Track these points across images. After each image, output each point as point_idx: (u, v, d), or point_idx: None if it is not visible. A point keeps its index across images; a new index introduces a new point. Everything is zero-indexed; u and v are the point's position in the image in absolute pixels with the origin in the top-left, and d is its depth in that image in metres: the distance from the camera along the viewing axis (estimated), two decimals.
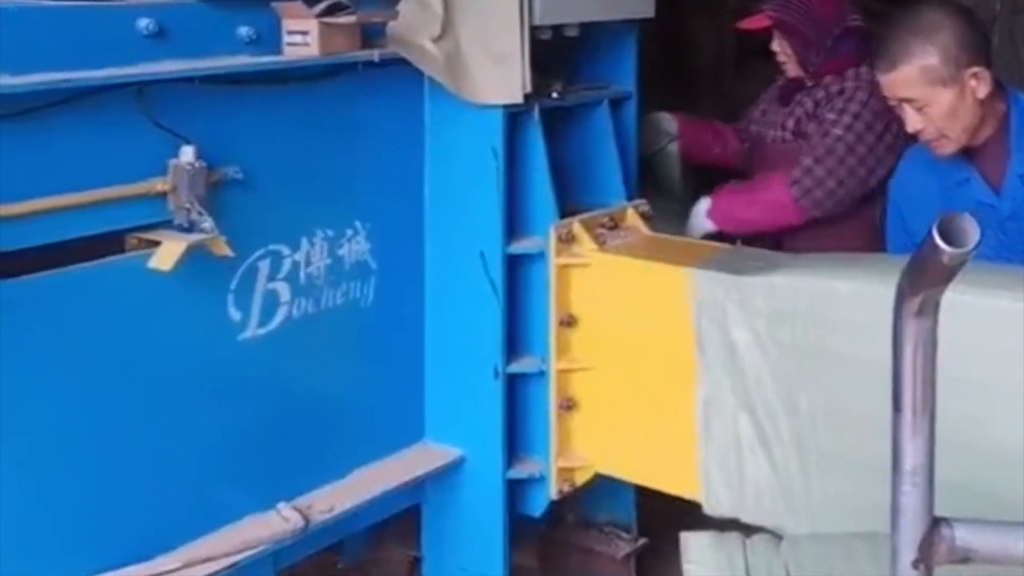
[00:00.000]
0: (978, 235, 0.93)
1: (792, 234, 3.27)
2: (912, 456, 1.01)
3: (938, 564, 1.04)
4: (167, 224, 2.36)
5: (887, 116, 3.11)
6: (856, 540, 1.85)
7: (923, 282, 0.97)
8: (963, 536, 1.02)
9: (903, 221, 2.94)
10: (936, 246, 0.92)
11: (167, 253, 2.31)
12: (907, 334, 1.00)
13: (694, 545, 1.88)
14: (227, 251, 2.39)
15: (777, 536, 2.00)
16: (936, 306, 0.99)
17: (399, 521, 3.06)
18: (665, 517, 3.16)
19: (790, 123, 3.37)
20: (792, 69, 3.37)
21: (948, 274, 0.96)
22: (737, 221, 3.26)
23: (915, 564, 1.02)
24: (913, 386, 1.00)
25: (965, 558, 1.03)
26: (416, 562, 3.15)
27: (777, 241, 3.25)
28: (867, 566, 1.75)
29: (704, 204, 3.28)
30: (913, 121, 2.70)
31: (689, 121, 3.53)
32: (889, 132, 3.19)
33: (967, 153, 2.76)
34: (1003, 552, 1.03)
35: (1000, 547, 1.03)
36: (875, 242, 3.13)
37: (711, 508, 2.58)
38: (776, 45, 3.37)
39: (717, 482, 2.55)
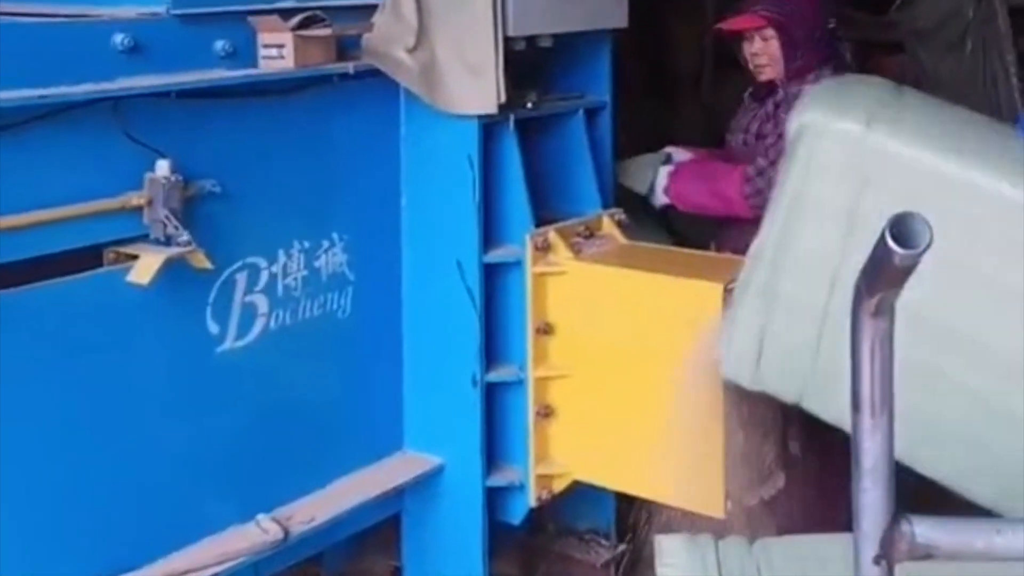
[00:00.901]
0: (929, 236, 0.95)
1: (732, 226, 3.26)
2: (871, 454, 1.02)
3: (899, 560, 1.06)
4: (144, 238, 2.37)
5: None
6: (827, 543, 1.86)
7: (879, 283, 0.99)
8: (923, 532, 1.04)
9: None
10: (888, 247, 0.94)
11: (145, 267, 2.32)
12: (864, 334, 1.01)
13: (668, 548, 1.90)
14: (206, 264, 2.41)
15: (749, 539, 2.01)
16: (892, 306, 1.01)
17: (380, 531, 3.06)
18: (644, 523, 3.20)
19: (754, 126, 3.36)
20: (771, 71, 3.34)
21: (902, 275, 0.98)
22: (690, 204, 3.27)
23: (876, 560, 1.04)
24: (871, 385, 1.02)
25: (926, 554, 1.05)
26: (397, 572, 3.15)
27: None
28: (838, 568, 1.77)
29: (664, 178, 3.29)
30: None
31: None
32: None
33: None
34: (963, 547, 1.05)
35: (960, 542, 1.05)
36: None
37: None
38: (756, 47, 3.34)
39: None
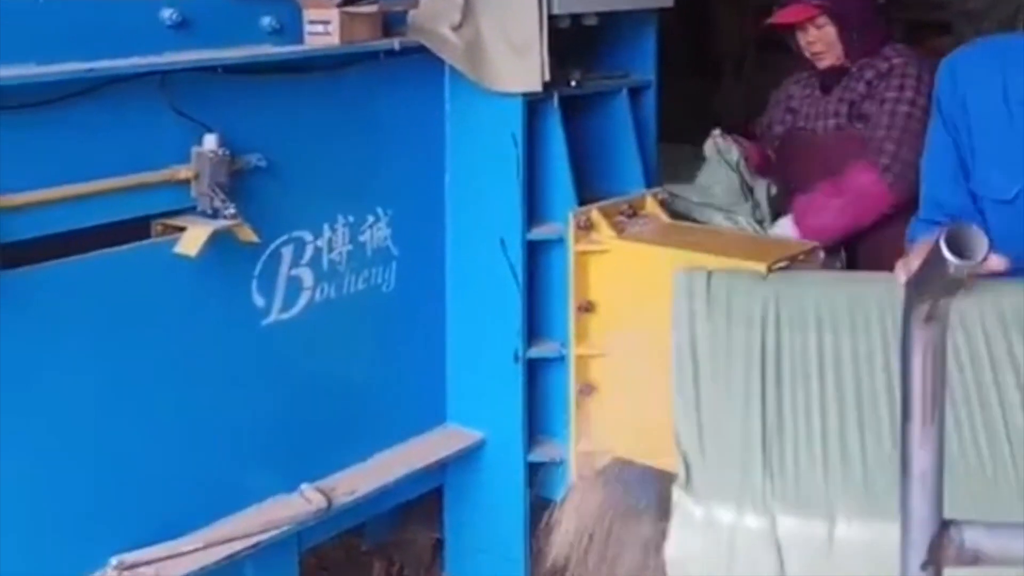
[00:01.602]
0: (986, 248, 0.94)
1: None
2: (921, 461, 1.02)
3: (947, 566, 1.06)
4: (191, 211, 2.39)
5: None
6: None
7: (931, 291, 0.98)
8: (972, 538, 1.04)
9: (949, 132, 2.34)
10: (943, 257, 0.93)
11: (192, 239, 2.34)
12: (916, 342, 1.01)
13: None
14: (252, 237, 2.43)
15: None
16: (945, 314, 1.00)
17: (422, 503, 3.10)
18: None
19: (843, 109, 3.31)
20: (830, 58, 3.30)
21: (956, 284, 0.97)
22: (830, 230, 3.16)
23: (924, 566, 1.03)
24: (923, 394, 1.01)
25: (974, 560, 1.05)
26: (439, 544, 3.18)
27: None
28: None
29: (787, 228, 3.22)
30: None
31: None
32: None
33: None
34: (1012, 553, 1.05)
35: (1009, 548, 1.05)
36: None
37: None
38: (811, 36, 3.29)
39: None
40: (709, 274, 2.08)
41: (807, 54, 3.33)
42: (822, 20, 3.24)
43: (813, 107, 3.39)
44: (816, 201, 3.24)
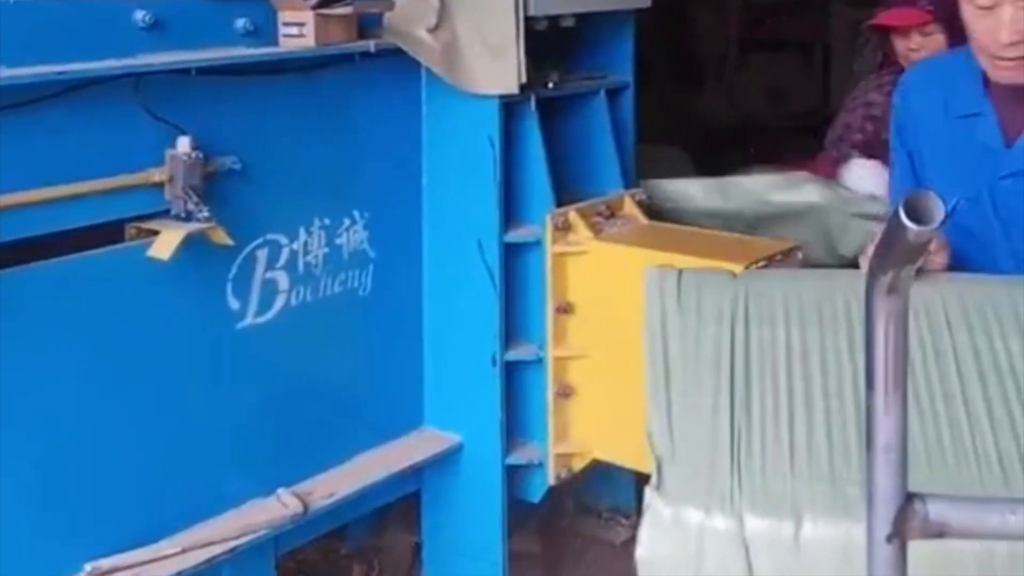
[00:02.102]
0: (943, 213, 0.95)
1: None
2: (885, 432, 1.02)
3: (912, 539, 1.05)
4: (165, 214, 2.39)
5: None
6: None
7: (892, 260, 0.98)
8: (937, 511, 1.04)
9: (904, 146, 2.51)
10: (902, 224, 0.93)
11: (165, 242, 2.33)
12: (878, 312, 1.01)
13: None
14: (226, 240, 2.42)
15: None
16: (907, 283, 1.00)
17: (402, 507, 3.09)
18: None
19: None
20: None
21: (916, 252, 0.97)
22: None
23: (889, 538, 1.03)
24: (885, 363, 1.01)
25: (939, 532, 1.05)
26: (418, 547, 3.17)
27: None
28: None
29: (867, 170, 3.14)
30: (1015, 23, 2.19)
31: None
32: None
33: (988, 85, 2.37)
34: (976, 526, 1.05)
35: (973, 521, 1.05)
36: None
37: None
38: (914, 43, 3.15)
39: None
40: (680, 272, 2.10)
41: (904, 61, 3.19)
42: (932, 27, 3.11)
43: None
44: None
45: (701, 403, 1.90)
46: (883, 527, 1.03)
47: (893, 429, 1.02)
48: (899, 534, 1.03)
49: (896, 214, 0.94)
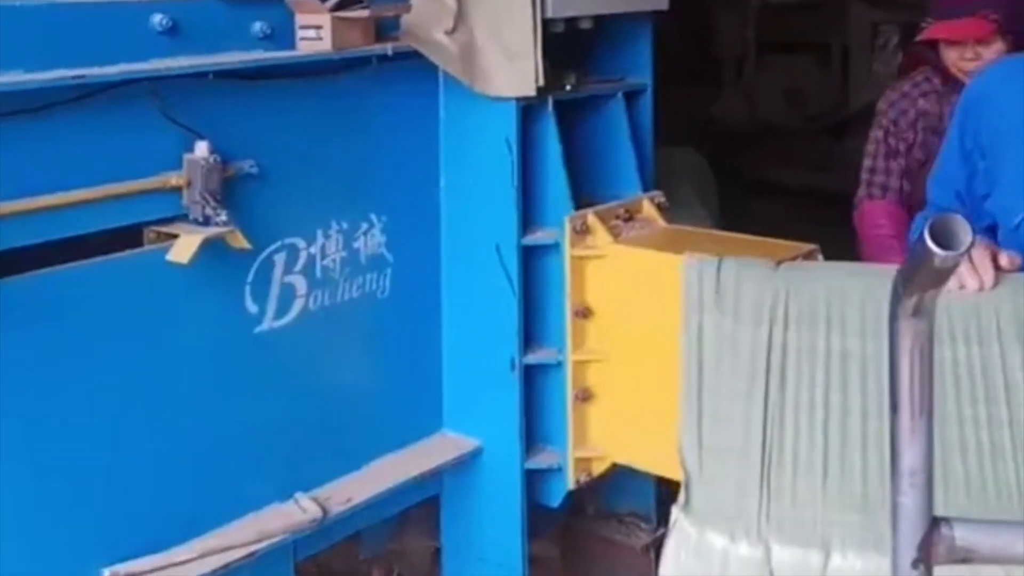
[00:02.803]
0: (971, 238, 0.93)
1: None
2: (911, 457, 1.00)
3: (938, 564, 1.04)
4: (183, 218, 2.38)
5: None
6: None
7: (917, 283, 0.97)
8: (963, 536, 1.02)
9: (966, 142, 2.31)
10: (928, 249, 0.92)
11: (184, 246, 2.33)
12: (903, 335, 0.99)
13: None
14: (244, 243, 2.41)
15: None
16: (932, 306, 0.99)
17: (421, 511, 3.08)
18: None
19: None
20: None
21: (942, 276, 0.95)
22: None
23: (915, 564, 1.02)
24: (911, 387, 1.00)
25: (965, 558, 1.03)
26: (437, 552, 3.16)
27: None
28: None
29: None
30: None
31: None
32: None
33: None
34: (1003, 551, 1.03)
35: (1000, 546, 1.03)
36: None
37: None
38: (970, 53, 3.01)
39: None
40: (720, 262, 2.01)
41: (956, 70, 3.05)
42: (993, 37, 2.99)
43: None
44: None
45: (733, 416, 1.85)
46: (909, 552, 1.02)
47: (919, 453, 1.00)
48: (925, 559, 1.01)
49: (922, 238, 0.93)
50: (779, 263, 1.97)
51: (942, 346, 1.77)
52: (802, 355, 1.87)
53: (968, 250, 0.92)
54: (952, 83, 3.09)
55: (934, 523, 1.02)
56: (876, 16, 5.94)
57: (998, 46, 2.99)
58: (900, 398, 1.00)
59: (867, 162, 3.33)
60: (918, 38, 3.09)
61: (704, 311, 1.96)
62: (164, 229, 2.37)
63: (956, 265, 0.93)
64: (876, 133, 3.31)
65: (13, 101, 2.10)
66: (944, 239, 0.92)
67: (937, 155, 3.02)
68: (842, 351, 1.84)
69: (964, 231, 0.92)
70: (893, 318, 1.00)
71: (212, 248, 2.38)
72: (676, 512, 1.81)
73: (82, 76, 2.18)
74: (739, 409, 1.86)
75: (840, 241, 3.21)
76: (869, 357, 1.84)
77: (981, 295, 1.83)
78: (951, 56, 3.08)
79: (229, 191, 2.41)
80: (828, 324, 1.87)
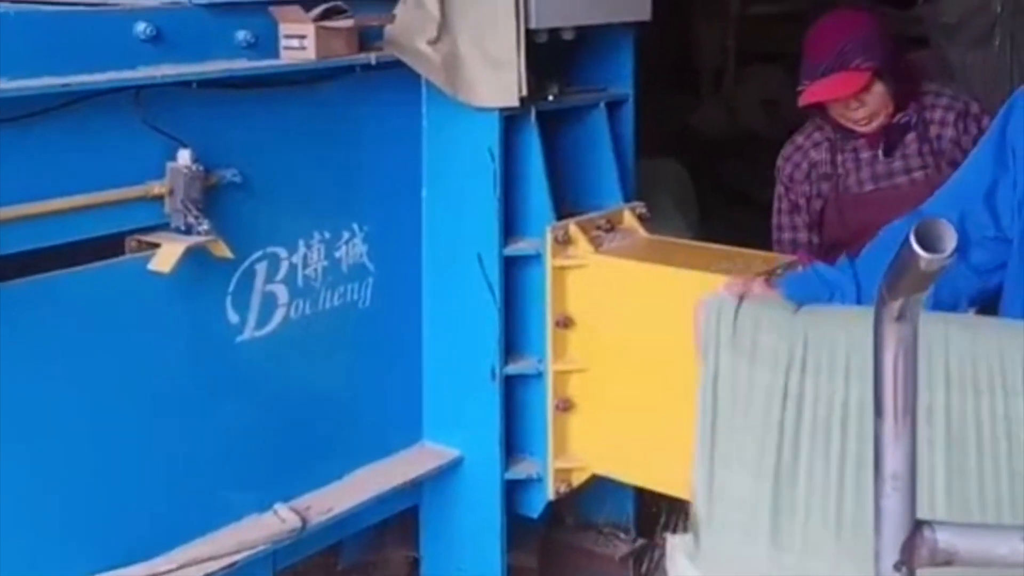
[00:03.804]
0: (955, 241, 0.94)
1: None
2: (893, 460, 1.02)
3: (920, 566, 1.05)
4: (165, 227, 2.38)
5: None
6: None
7: (902, 287, 0.98)
8: (945, 539, 1.03)
9: (995, 158, 2.16)
10: (913, 252, 0.93)
11: (166, 255, 2.33)
12: (887, 339, 1.00)
13: (679, 546, 1.88)
14: (227, 252, 2.41)
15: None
16: (916, 311, 1.00)
17: (399, 522, 3.07)
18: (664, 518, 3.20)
19: (925, 148, 3.00)
20: (879, 118, 2.97)
21: (926, 280, 0.96)
22: None
23: (897, 566, 1.03)
24: (894, 390, 1.01)
25: (948, 560, 1.04)
26: (415, 563, 3.15)
27: None
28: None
29: None
30: None
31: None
32: None
33: None
34: (985, 554, 1.04)
35: (983, 549, 1.04)
36: None
37: None
38: (854, 104, 2.95)
39: None
40: (738, 304, 1.93)
41: (845, 121, 3.01)
42: (872, 83, 2.92)
43: (880, 167, 3.07)
44: None
45: (745, 461, 1.79)
46: (891, 555, 1.02)
47: (902, 457, 1.01)
48: (908, 562, 1.02)
49: (907, 241, 0.94)
50: (798, 308, 1.89)
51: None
52: (819, 404, 1.80)
53: (953, 253, 0.93)
54: (845, 130, 3.07)
55: (917, 526, 1.03)
56: None
57: (878, 88, 2.94)
58: (884, 402, 1.01)
59: (773, 220, 3.29)
60: (800, 103, 3.01)
61: (720, 352, 1.90)
62: (146, 238, 2.37)
63: (941, 268, 0.94)
64: (778, 189, 3.27)
65: None
66: (929, 242, 0.94)
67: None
68: (860, 401, 1.76)
69: (949, 235, 0.93)
70: (878, 322, 1.01)
71: (194, 257, 2.38)
72: (683, 561, 1.77)
73: (67, 84, 2.18)
74: (751, 456, 1.80)
75: None
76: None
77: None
78: (836, 110, 3.02)
79: (211, 200, 2.41)
80: (847, 374, 1.80)
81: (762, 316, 1.89)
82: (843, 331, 1.83)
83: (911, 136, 3.04)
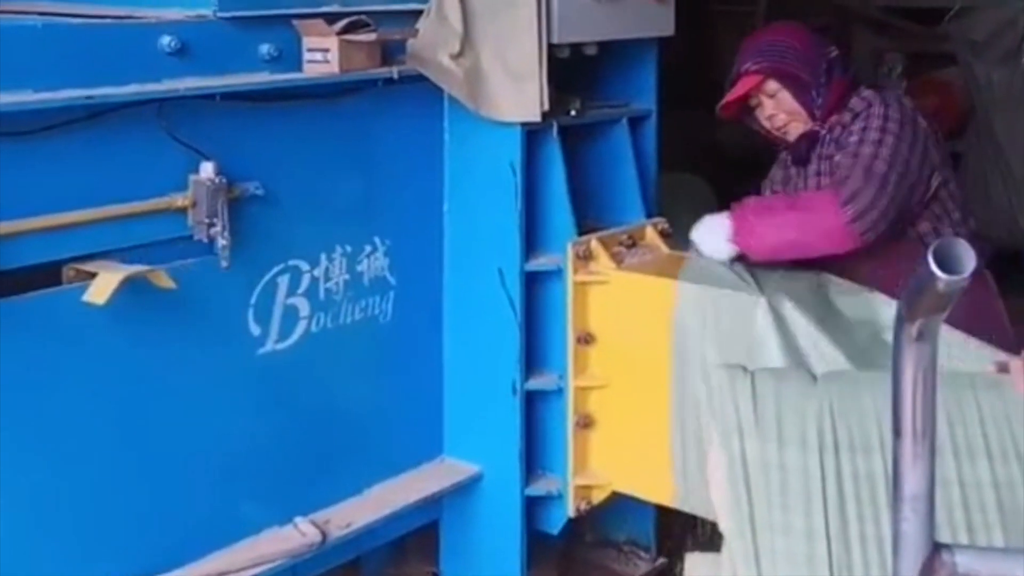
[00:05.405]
0: (973, 262, 0.93)
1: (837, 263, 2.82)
2: (912, 483, 1.00)
3: None
4: (187, 239, 2.38)
5: (913, 125, 2.80)
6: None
7: (920, 308, 0.97)
8: (964, 562, 1.02)
9: None
10: (931, 273, 0.92)
11: (102, 285, 2.21)
12: (906, 359, 0.99)
13: (699, 564, 1.85)
14: (170, 284, 2.31)
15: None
16: (936, 331, 0.99)
17: (419, 537, 3.06)
18: (684, 536, 3.18)
19: (824, 167, 2.94)
20: (797, 126, 2.95)
21: (945, 300, 0.95)
22: (770, 245, 2.77)
23: None
24: (913, 412, 1.00)
25: None
26: None
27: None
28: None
29: (723, 225, 2.82)
30: None
31: None
32: (919, 141, 2.80)
33: None
34: None
35: (1001, 572, 1.03)
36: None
37: None
38: (769, 109, 2.96)
39: None
40: (753, 376, 1.88)
41: (775, 133, 3.00)
42: (772, 86, 2.92)
43: (793, 185, 3.03)
44: (764, 207, 2.86)
45: (795, 554, 1.72)
46: None
47: (921, 478, 1.00)
48: None
49: (925, 262, 0.93)
50: (814, 378, 1.84)
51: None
52: (859, 479, 1.75)
53: (972, 274, 0.92)
54: (792, 147, 3.00)
55: (936, 549, 1.01)
56: (880, 43, 5.97)
57: (783, 95, 2.93)
58: (903, 424, 1.00)
59: None
60: (720, 116, 3.04)
61: (744, 435, 1.84)
62: (83, 267, 2.26)
63: (960, 289, 0.93)
64: None
65: (23, 121, 2.11)
66: (947, 263, 0.92)
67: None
68: None
69: (968, 255, 0.92)
70: (897, 342, 1.00)
71: (213, 269, 2.38)
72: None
73: (92, 96, 2.19)
74: (801, 548, 1.73)
75: None
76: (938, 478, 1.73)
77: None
78: (760, 125, 3.02)
79: (234, 212, 2.41)
80: (882, 445, 1.74)
81: (782, 390, 1.84)
82: (869, 398, 1.77)
83: (816, 153, 2.96)
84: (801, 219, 2.75)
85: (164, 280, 2.30)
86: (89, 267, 2.24)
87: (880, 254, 2.78)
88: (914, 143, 2.80)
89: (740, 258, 2.81)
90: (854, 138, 2.83)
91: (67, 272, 2.25)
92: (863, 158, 2.76)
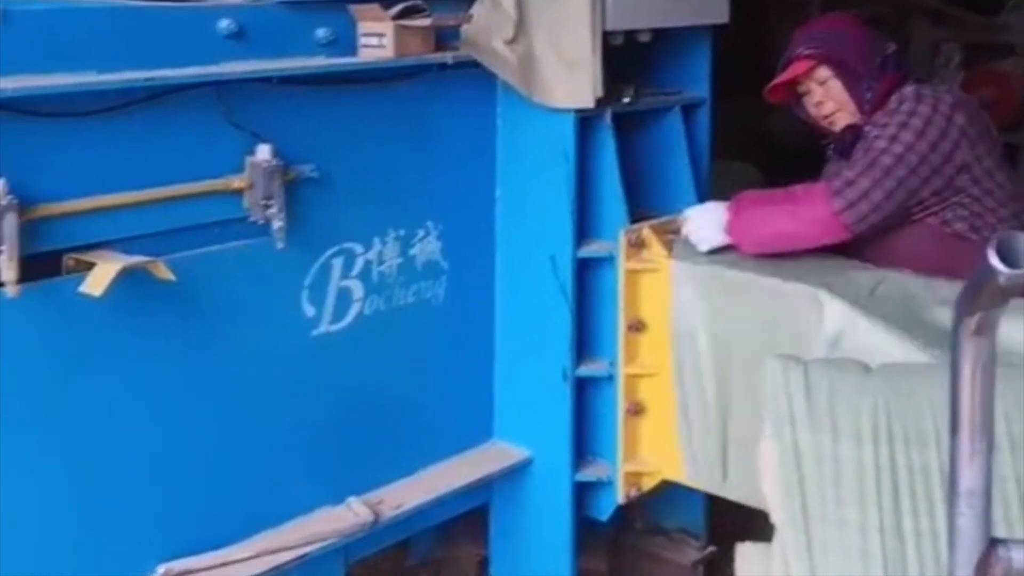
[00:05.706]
0: None
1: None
2: (969, 478, 1.00)
3: None
4: (243, 220, 2.40)
5: (942, 124, 2.73)
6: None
7: (980, 302, 0.96)
8: (1020, 558, 1.01)
9: None
10: (991, 267, 0.91)
11: (100, 276, 2.17)
12: (965, 354, 0.98)
13: (750, 555, 1.84)
14: (169, 276, 2.27)
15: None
16: (995, 326, 0.98)
17: (468, 520, 3.07)
18: (735, 525, 3.17)
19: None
20: (845, 116, 2.90)
21: (1005, 295, 0.94)
22: (759, 237, 2.76)
23: None
24: (971, 407, 0.99)
25: None
26: (484, 562, 3.16)
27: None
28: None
29: (719, 213, 2.80)
30: None
31: None
32: (946, 140, 2.73)
33: None
34: None
35: None
36: (943, 247, 2.74)
37: None
38: (817, 96, 2.92)
39: None
40: (806, 367, 1.86)
41: (821, 122, 2.96)
42: (824, 72, 2.88)
43: (827, 167, 3.00)
44: (759, 199, 2.83)
45: (849, 548, 1.71)
46: (966, 573, 1.01)
47: (978, 474, 0.99)
48: None
49: (985, 256, 0.92)
50: (868, 368, 1.80)
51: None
52: (915, 476, 1.72)
53: None
54: (837, 138, 2.95)
55: (992, 544, 1.01)
56: (938, 34, 5.89)
57: (834, 83, 2.89)
58: (960, 419, 0.99)
59: None
60: (767, 99, 2.99)
61: (797, 426, 1.82)
62: (83, 257, 2.22)
63: (1021, 283, 0.92)
64: None
65: (86, 101, 2.15)
66: (1011, 257, 0.91)
67: None
68: None
69: None
70: (955, 337, 0.99)
71: (269, 250, 2.41)
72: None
73: (151, 78, 2.22)
74: (855, 542, 1.72)
75: None
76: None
77: None
78: (808, 114, 2.98)
79: (289, 195, 2.44)
80: (938, 440, 1.71)
81: (835, 380, 1.81)
82: (924, 392, 1.75)
83: (860, 147, 2.86)
84: (792, 210, 2.75)
85: (163, 272, 2.26)
86: (89, 257, 2.20)
87: (880, 239, 2.78)
88: (938, 141, 2.74)
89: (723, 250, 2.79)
90: (875, 132, 2.80)
91: (67, 262, 2.21)
92: (873, 151, 2.75)
